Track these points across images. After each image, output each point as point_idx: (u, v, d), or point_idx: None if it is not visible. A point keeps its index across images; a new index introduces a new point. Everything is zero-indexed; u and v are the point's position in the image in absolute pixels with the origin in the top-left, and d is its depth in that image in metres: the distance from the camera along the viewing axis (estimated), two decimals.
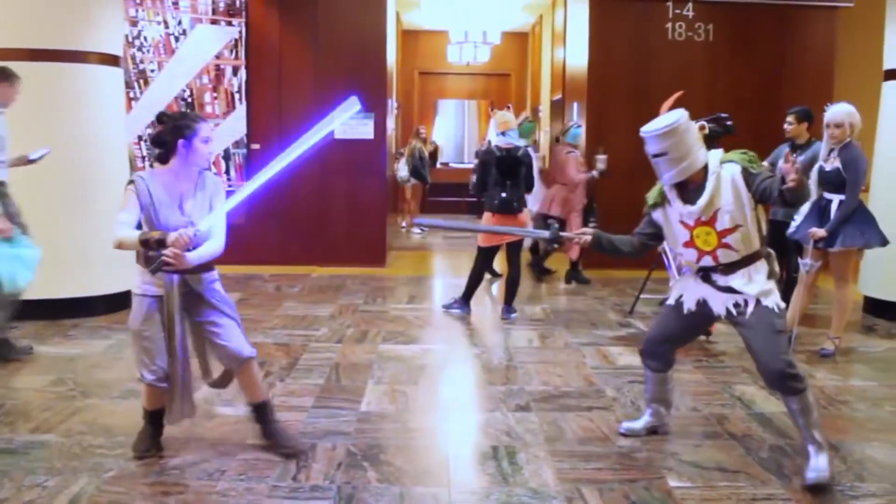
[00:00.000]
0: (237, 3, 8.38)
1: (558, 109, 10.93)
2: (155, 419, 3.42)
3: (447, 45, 14.12)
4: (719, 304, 3.32)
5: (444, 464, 3.39)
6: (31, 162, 5.03)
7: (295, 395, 4.24)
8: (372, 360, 4.98)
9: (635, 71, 8.63)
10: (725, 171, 3.21)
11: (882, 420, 4.01)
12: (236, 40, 8.41)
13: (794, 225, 5.28)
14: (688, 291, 3.45)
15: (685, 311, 3.45)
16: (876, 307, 6.38)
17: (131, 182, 3.20)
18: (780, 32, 8.70)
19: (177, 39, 8.38)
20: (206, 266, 3.28)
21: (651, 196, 3.45)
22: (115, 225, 3.17)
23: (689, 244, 3.32)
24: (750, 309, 3.22)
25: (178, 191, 3.23)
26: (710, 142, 3.83)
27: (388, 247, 9.13)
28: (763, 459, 3.43)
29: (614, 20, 8.67)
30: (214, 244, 3.25)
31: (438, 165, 14.81)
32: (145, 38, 8.35)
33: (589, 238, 3.53)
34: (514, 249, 6.32)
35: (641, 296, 6.53)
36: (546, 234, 3.74)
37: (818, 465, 3.12)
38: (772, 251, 3.36)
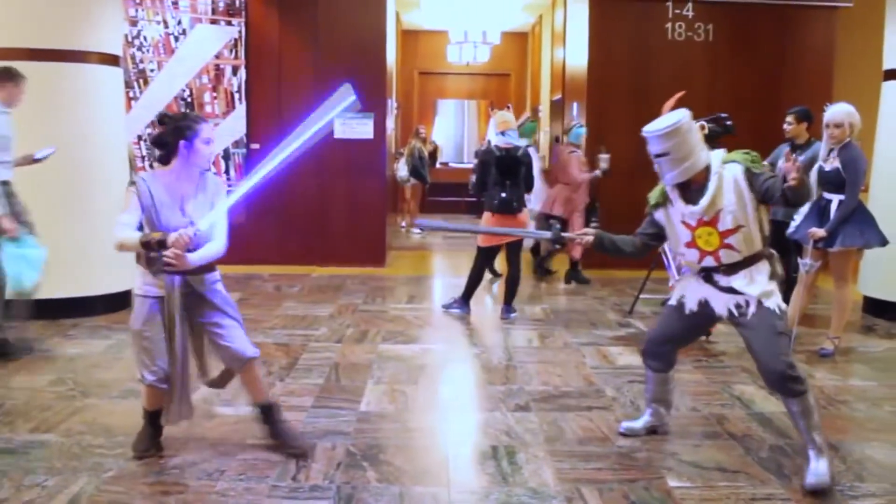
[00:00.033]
0: (237, 2, 8.38)
1: (558, 109, 10.93)
2: (155, 419, 3.42)
3: (447, 44, 14.12)
4: (721, 304, 3.32)
5: (443, 463, 3.39)
6: (37, 161, 5.04)
7: (294, 394, 4.24)
8: (371, 359, 4.98)
9: (635, 71, 8.63)
10: (728, 172, 3.21)
11: (881, 420, 4.01)
12: (236, 40, 8.41)
13: (793, 225, 5.28)
14: (689, 292, 3.44)
15: (687, 311, 3.44)
16: (875, 307, 6.38)
17: (132, 183, 3.20)
18: (780, 32, 8.70)
19: (176, 39, 8.38)
20: (208, 267, 3.28)
21: (653, 196, 3.44)
22: (117, 226, 3.17)
23: (691, 244, 3.32)
24: (751, 310, 3.21)
25: (180, 192, 3.22)
26: (710, 142, 3.81)
27: (387, 247, 9.13)
28: (763, 459, 3.43)
29: (614, 20, 8.67)
30: (216, 245, 3.25)
31: (438, 165, 14.81)
32: (145, 38, 8.35)
33: (591, 238, 3.53)
34: (513, 249, 6.32)
35: (641, 296, 6.54)
36: (548, 234, 3.74)
37: (818, 469, 3.11)
38: (774, 252, 3.35)
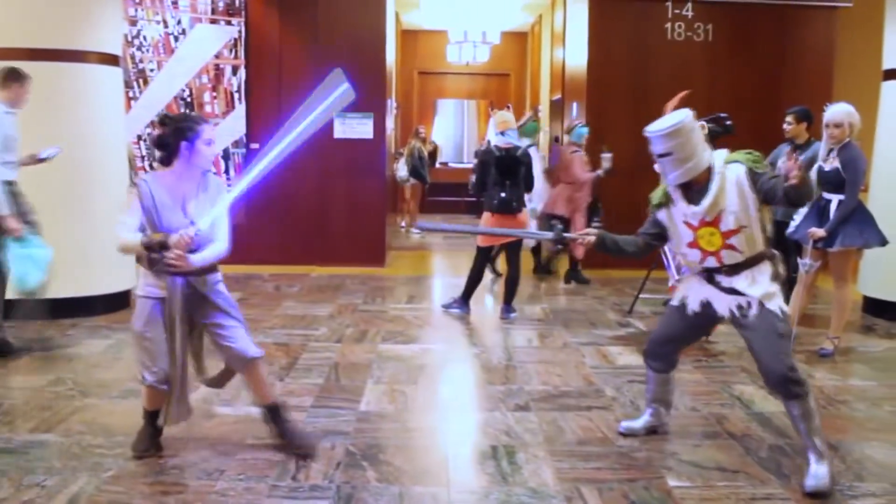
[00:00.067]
0: (237, 2, 8.38)
1: (557, 109, 10.93)
2: (155, 419, 3.42)
3: (446, 44, 14.12)
4: (723, 305, 3.31)
5: (443, 463, 3.39)
6: (42, 161, 5.05)
7: (294, 394, 4.24)
8: (371, 359, 4.98)
9: (634, 71, 8.64)
10: (730, 172, 3.19)
11: (881, 420, 4.01)
12: (236, 40, 8.42)
13: (793, 225, 5.29)
14: (692, 292, 3.43)
15: (689, 311, 3.43)
16: (875, 307, 6.38)
17: (134, 184, 3.20)
18: (780, 32, 8.70)
19: (176, 39, 8.38)
20: (210, 267, 3.28)
21: (655, 196, 3.43)
22: (119, 228, 3.18)
23: (693, 245, 3.31)
24: (753, 311, 3.20)
25: (181, 193, 3.22)
26: (710, 142, 3.82)
27: (387, 246, 9.13)
28: (762, 459, 3.43)
29: (613, 20, 8.67)
30: (219, 246, 3.25)
31: (438, 165, 14.81)
32: (145, 38, 8.35)
33: (593, 238, 3.52)
34: (513, 249, 6.32)
35: (641, 295, 6.54)
36: (550, 235, 3.72)
37: (818, 472, 3.10)
38: (776, 252, 3.34)
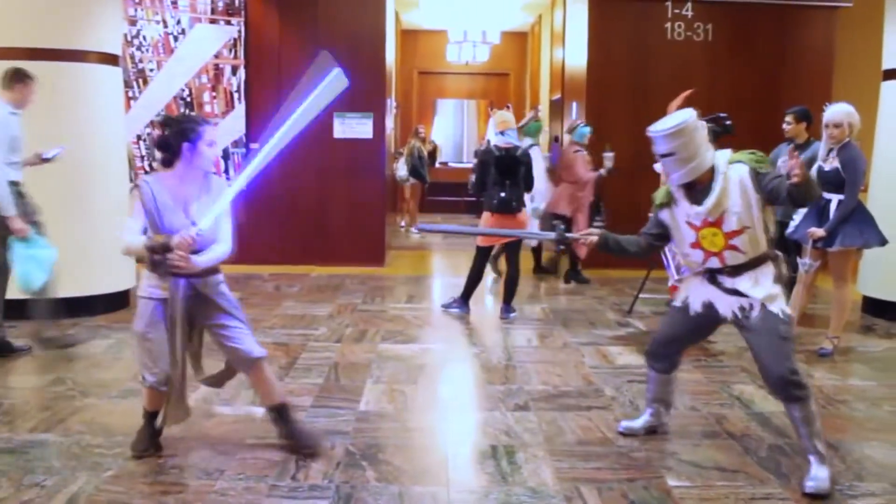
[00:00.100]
0: (236, 2, 8.38)
1: (557, 109, 10.94)
2: (155, 419, 3.41)
3: (446, 44, 14.13)
4: (725, 306, 3.29)
5: (442, 463, 3.39)
6: (46, 161, 5.05)
7: (294, 394, 4.23)
8: (371, 359, 4.98)
9: (634, 71, 8.64)
10: (733, 172, 3.17)
11: (881, 419, 4.02)
12: (235, 39, 8.41)
13: (793, 225, 5.29)
14: (694, 293, 3.42)
15: (692, 312, 3.42)
16: (875, 307, 6.38)
17: (136, 186, 3.19)
18: (779, 32, 8.70)
19: (176, 39, 8.37)
20: (212, 268, 3.28)
21: (658, 196, 3.42)
22: (123, 231, 3.18)
23: (696, 245, 3.29)
24: (755, 313, 3.19)
25: (184, 194, 3.21)
26: (710, 142, 3.81)
27: (386, 246, 9.13)
28: (762, 459, 3.43)
29: (613, 20, 8.67)
30: (222, 247, 3.25)
31: (437, 165, 14.81)
32: (144, 38, 8.35)
33: (595, 238, 3.51)
34: (513, 249, 6.32)
35: (640, 295, 6.54)
36: (552, 235, 3.71)
37: (818, 475, 3.09)
38: (780, 253, 3.32)
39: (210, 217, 3.14)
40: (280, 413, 3.44)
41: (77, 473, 3.18)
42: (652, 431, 3.70)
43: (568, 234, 3.71)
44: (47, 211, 5.14)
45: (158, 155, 3.28)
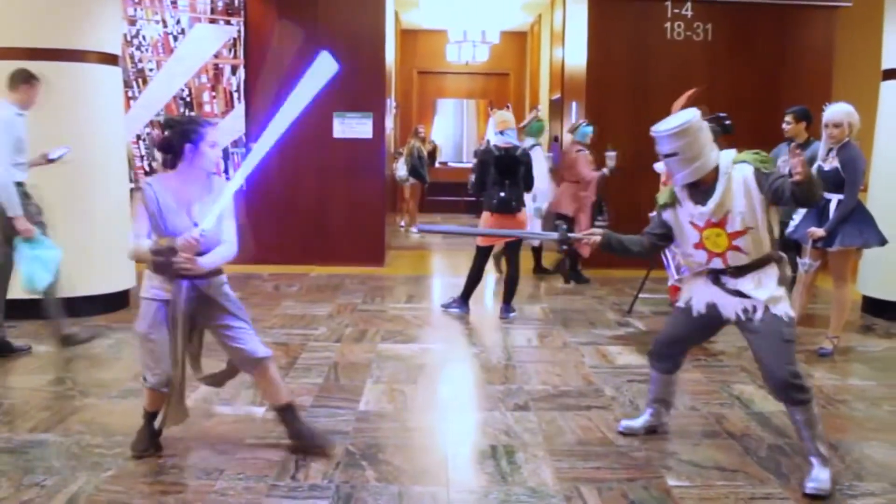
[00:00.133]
0: (236, 2, 8.37)
1: (557, 109, 10.94)
2: (155, 420, 3.41)
3: (446, 44, 14.13)
4: (729, 308, 3.28)
5: (442, 463, 3.39)
6: (51, 161, 5.06)
7: (294, 394, 4.21)
8: (371, 359, 4.98)
9: (634, 70, 8.64)
10: (737, 172, 3.16)
11: (880, 419, 4.02)
12: (235, 39, 8.41)
13: (792, 224, 5.28)
14: (697, 294, 3.41)
15: (695, 313, 3.41)
16: (874, 307, 6.38)
17: (138, 189, 3.19)
18: (779, 32, 8.70)
19: (175, 38, 8.37)
20: (216, 269, 3.28)
21: (662, 196, 3.40)
22: (130, 236, 3.18)
23: (699, 245, 3.28)
24: (758, 315, 3.17)
25: (187, 196, 3.21)
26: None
27: (386, 246, 9.13)
28: (761, 458, 3.43)
29: (613, 19, 8.67)
30: (227, 248, 3.26)
31: (437, 165, 14.81)
32: (144, 38, 8.35)
33: (599, 238, 3.49)
34: (513, 249, 6.32)
35: (640, 295, 6.54)
36: (555, 235, 3.70)
37: (819, 476, 3.08)
38: (784, 255, 3.31)
39: (212, 217, 3.14)
40: (287, 414, 3.44)
41: (77, 473, 3.18)
42: (652, 431, 3.70)
43: (571, 234, 3.69)
44: (47, 211, 5.14)
45: (160, 156, 3.28)
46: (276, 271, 8.11)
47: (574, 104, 9.45)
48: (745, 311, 3.22)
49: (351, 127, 8.46)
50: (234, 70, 8.43)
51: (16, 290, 4.93)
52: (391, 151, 11.42)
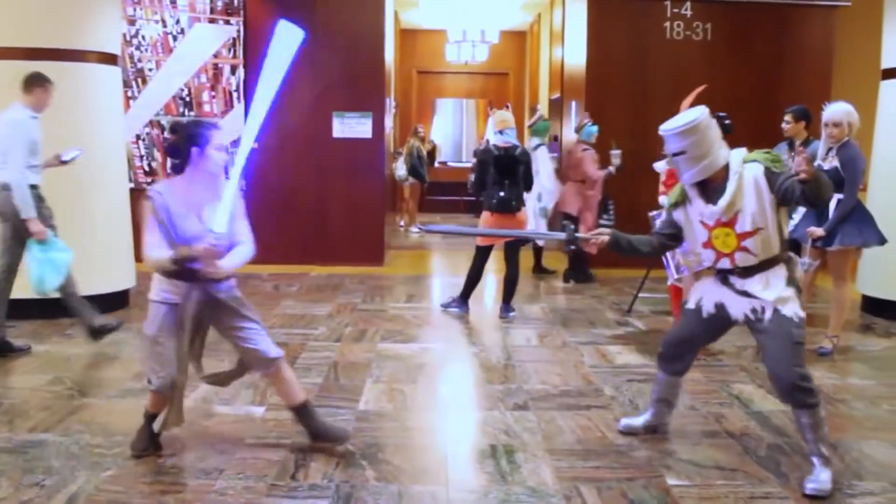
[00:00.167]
0: (235, 1, 8.38)
1: (557, 108, 10.94)
2: (155, 420, 3.41)
3: (445, 43, 14.13)
4: (737, 308, 3.27)
5: (442, 462, 3.40)
6: (64, 163, 5.08)
7: None
8: (370, 358, 4.98)
9: (633, 70, 8.64)
10: (748, 172, 3.14)
11: (880, 418, 4.02)
12: (234, 39, 8.41)
13: (792, 224, 5.28)
14: (707, 294, 3.40)
15: (704, 314, 3.40)
16: (874, 306, 6.39)
17: (147, 198, 3.17)
18: (778, 32, 8.71)
19: (175, 38, 8.37)
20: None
21: (672, 195, 3.40)
22: (146, 248, 3.15)
23: (708, 245, 3.27)
24: (767, 315, 3.15)
25: (196, 199, 3.21)
26: None
27: (386, 246, 9.13)
28: (761, 458, 3.43)
29: (612, 19, 8.67)
30: (246, 248, 3.28)
31: (437, 164, 14.81)
32: (143, 37, 8.35)
33: (606, 238, 3.46)
34: (512, 248, 6.32)
35: (640, 295, 6.54)
36: (562, 235, 3.67)
37: (820, 477, 3.08)
38: (793, 256, 3.29)
39: (221, 218, 3.12)
40: (303, 413, 3.43)
41: (76, 473, 3.18)
42: (652, 430, 3.69)
43: (578, 234, 3.66)
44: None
45: (169, 161, 3.28)
46: (276, 271, 8.10)
47: (573, 103, 9.45)
48: (754, 311, 3.20)
49: (350, 127, 8.46)
50: (233, 70, 8.43)
51: (16, 290, 4.93)
52: (391, 151, 11.42)
